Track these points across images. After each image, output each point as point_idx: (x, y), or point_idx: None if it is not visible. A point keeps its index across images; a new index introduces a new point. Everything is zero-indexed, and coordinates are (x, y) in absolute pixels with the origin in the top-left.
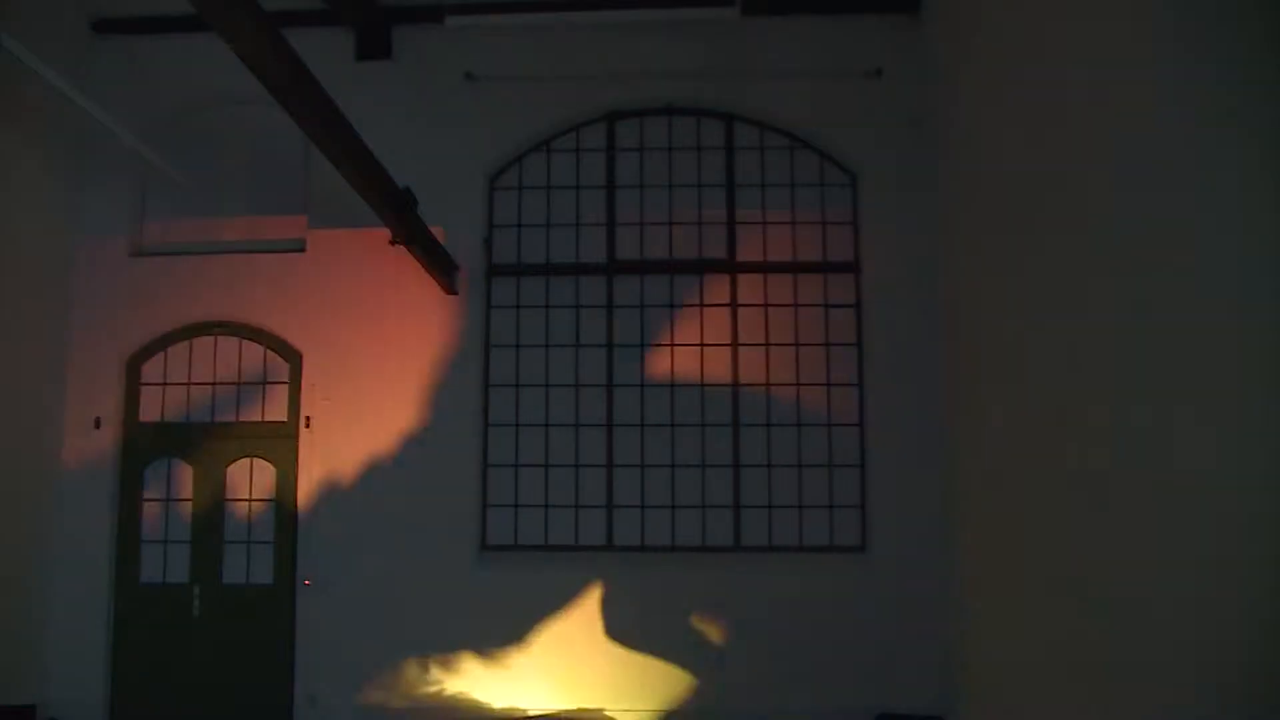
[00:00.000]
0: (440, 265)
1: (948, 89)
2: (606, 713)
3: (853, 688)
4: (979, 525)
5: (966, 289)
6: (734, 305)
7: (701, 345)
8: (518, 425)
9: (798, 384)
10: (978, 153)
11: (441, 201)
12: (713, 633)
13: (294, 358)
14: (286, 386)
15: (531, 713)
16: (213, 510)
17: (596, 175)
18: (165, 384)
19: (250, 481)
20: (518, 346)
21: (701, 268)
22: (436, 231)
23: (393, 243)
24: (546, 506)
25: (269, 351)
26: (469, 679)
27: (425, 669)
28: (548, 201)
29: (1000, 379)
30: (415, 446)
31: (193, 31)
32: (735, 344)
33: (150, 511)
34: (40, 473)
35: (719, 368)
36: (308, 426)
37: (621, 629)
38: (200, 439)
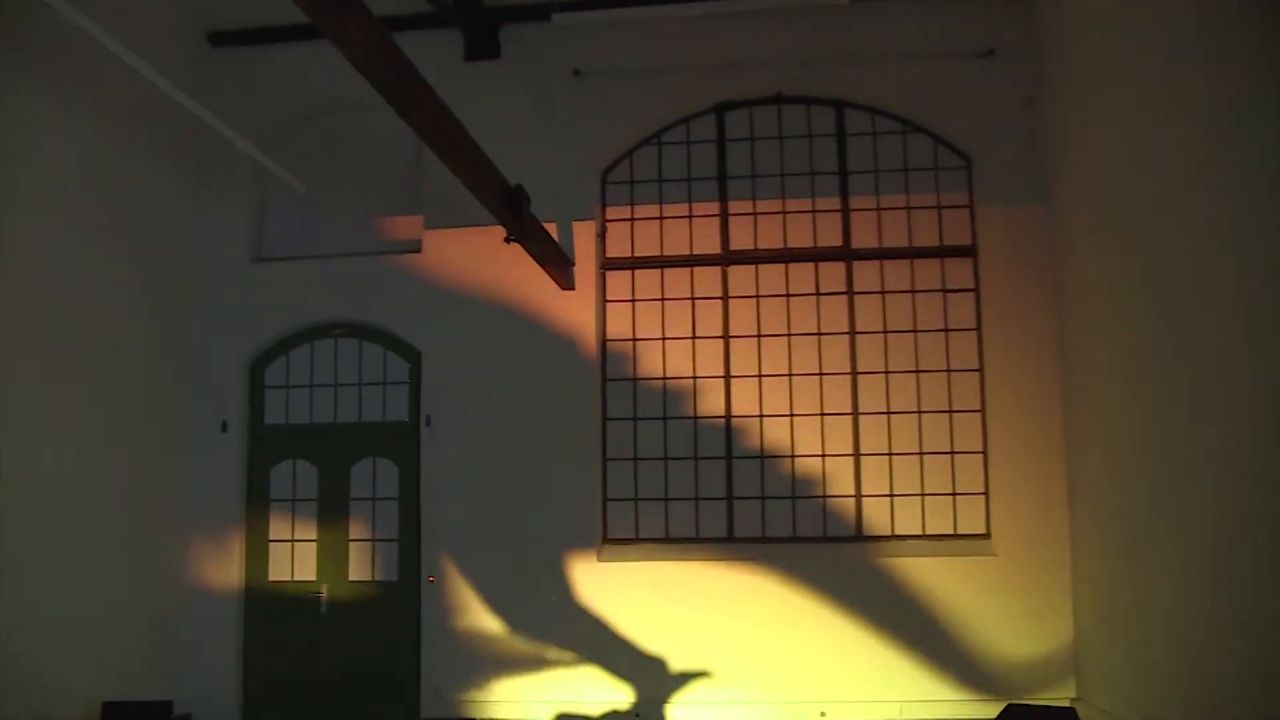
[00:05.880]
0: (555, 261)
1: (1061, 67)
2: (731, 705)
3: (980, 678)
4: (1105, 511)
5: (1086, 271)
6: (850, 293)
7: (819, 334)
8: (635, 419)
9: (917, 370)
10: (1094, 131)
11: (554, 197)
12: (836, 624)
13: (413, 357)
14: (407, 386)
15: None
16: (338, 509)
17: (708, 166)
18: (288, 386)
19: (374, 480)
20: (634, 340)
21: (817, 256)
22: (550, 227)
23: (507, 240)
24: (666, 499)
25: (388, 352)
26: (592, 672)
27: (549, 662)
28: (660, 194)
29: (1122, 362)
30: (535, 443)
31: (306, 40)
32: (853, 332)
33: (277, 512)
34: (172, 477)
35: (837, 356)
36: (428, 425)
37: (744, 621)
38: (323, 440)
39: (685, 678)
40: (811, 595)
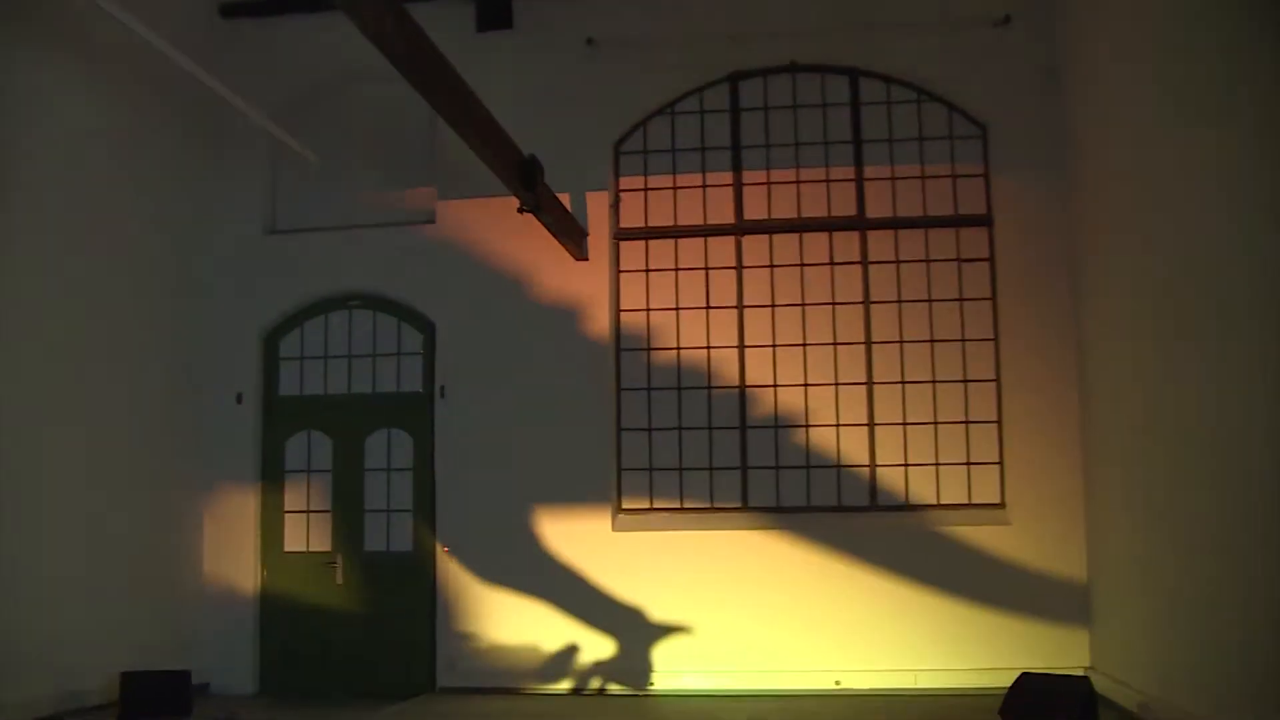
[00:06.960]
0: (568, 231)
1: (1079, 34)
2: (745, 674)
3: (994, 647)
4: (1120, 480)
5: (1102, 240)
6: (865, 262)
7: (833, 304)
8: (650, 389)
9: (932, 340)
10: (1112, 100)
11: (567, 168)
12: (850, 592)
13: (427, 328)
14: (420, 357)
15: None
16: (353, 480)
17: (721, 136)
18: (302, 358)
19: (388, 451)
20: (648, 310)
21: (831, 226)
22: (563, 198)
23: (520, 211)
24: (681, 469)
25: (402, 323)
26: (606, 640)
27: (563, 633)
28: (673, 164)
29: (1138, 332)
30: (549, 413)
31: (318, 11)
32: (867, 301)
33: (292, 483)
34: (187, 448)
35: (851, 326)
36: (442, 396)
37: (759, 590)
38: (338, 411)
39: (699, 645)
40: (826, 564)
